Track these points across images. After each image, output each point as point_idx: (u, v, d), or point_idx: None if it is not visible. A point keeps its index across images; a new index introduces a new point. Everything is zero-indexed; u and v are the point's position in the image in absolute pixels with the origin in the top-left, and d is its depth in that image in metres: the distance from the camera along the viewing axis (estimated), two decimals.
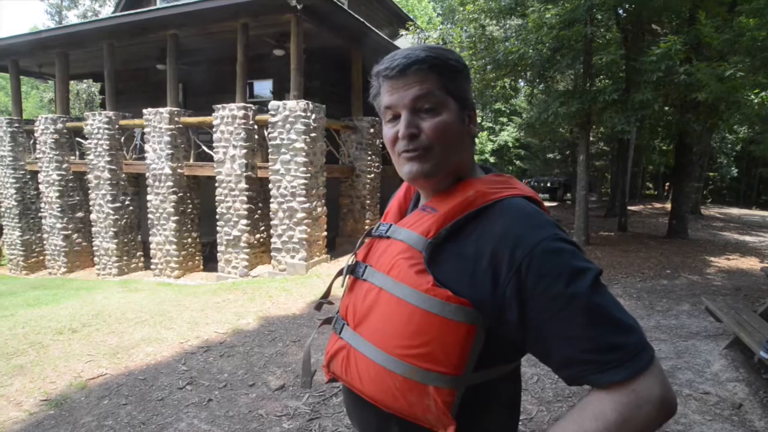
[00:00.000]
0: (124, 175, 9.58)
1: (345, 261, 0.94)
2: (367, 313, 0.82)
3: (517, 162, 29.36)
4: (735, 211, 19.07)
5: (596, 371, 0.65)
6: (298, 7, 7.11)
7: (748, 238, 10.78)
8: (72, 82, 17.98)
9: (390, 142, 0.83)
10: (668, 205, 13.82)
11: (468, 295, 0.72)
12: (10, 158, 10.69)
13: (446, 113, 0.80)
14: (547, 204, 20.97)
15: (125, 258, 9.70)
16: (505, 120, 28.04)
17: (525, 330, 0.70)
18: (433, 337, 0.73)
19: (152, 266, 9.15)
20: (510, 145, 28.44)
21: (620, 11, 8.61)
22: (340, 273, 0.96)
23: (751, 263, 7.52)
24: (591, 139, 12.02)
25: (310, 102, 7.57)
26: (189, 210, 9.02)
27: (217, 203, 8.19)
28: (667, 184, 24.49)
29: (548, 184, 23.94)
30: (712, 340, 4.00)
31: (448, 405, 0.73)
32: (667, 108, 9.06)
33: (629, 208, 14.39)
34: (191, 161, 8.85)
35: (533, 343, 0.71)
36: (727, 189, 26.03)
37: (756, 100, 6.58)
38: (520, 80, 10.62)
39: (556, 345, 0.68)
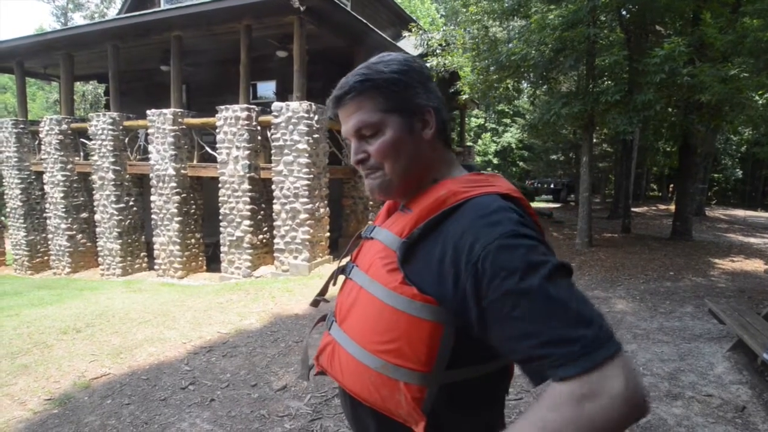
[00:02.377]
0: (128, 176, 9.62)
1: (345, 262, 0.99)
2: (350, 310, 0.86)
3: (521, 163, 29.29)
4: (740, 212, 18.97)
5: (552, 365, 0.62)
6: (301, 8, 7.13)
7: (752, 240, 10.73)
8: (78, 83, 18.10)
9: (354, 164, 0.91)
10: (672, 207, 13.77)
11: (434, 293, 0.74)
12: (16, 159, 10.76)
13: (389, 131, 0.83)
14: (550, 205, 20.95)
15: (129, 258, 9.74)
16: (508, 121, 28.02)
17: (486, 328, 0.70)
18: (401, 334, 0.76)
19: (156, 267, 9.19)
20: (513, 146, 28.41)
21: (623, 12, 8.59)
22: (335, 271, 1.01)
23: (755, 265, 7.49)
24: (594, 140, 11.98)
25: (312, 103, 7.59)
26: (192, 211, 9.06)
27: (220, 204, 8.21)
28: (671, 185, 24.39)
29: (551, 186, 23.89)
30: (716, 342, 3.99)
31: (418, 401, 0.76)
32: (670, 109, 9.03)
33: (633, 209, 14.35)
34: (195, 162, 8.88)
35: (496, 341, 0.70)
36: (731, 190, 25.89)
37: (760, 102, 6.56)
38: (523, 81, 10.61)
39: (515, 342, 0.66)
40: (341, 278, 0.99)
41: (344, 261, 0.98)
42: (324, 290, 1.08)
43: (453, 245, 0.73)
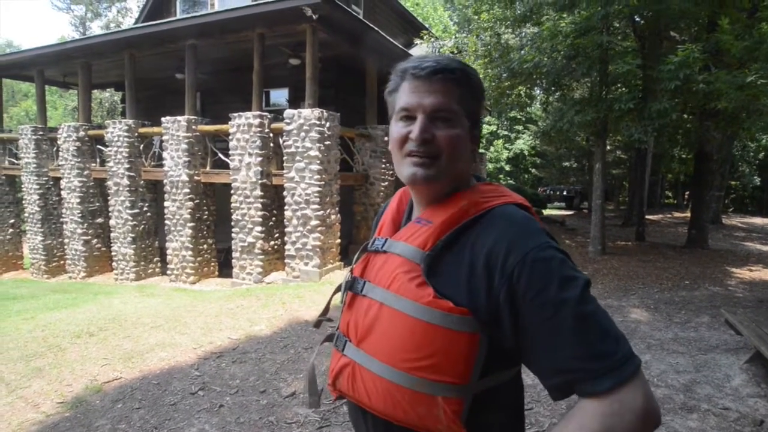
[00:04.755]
0: (142, 182, 9.76)
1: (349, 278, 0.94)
2: (370, 329, 0.82)
3: (533, 170, 29.11)
4: (758, 220, 18.60)
5: (583, 379, 0.66)
6: (314, 17, 7.21)
7: None
8: (96, 91, 18.48)
9: (398, 141, 0.83)
10: (688, 215, 13.55)
11: (466, 303, 0.74)
12: (34, 165, 10.99)
13: (460, 128, 0.82)
14: (563, 212, 20.76)
15: (142, 263, 9.85)
16: (520, 128, 27.89)
17: (517, 337, 0.72)
18: (438, 349, 0.74)
19: (168, 272, 9.28)
20: (526, 153, 28.22)
21: (637, 19, 8.52)
22: (338, 289, 0.96)
23: None
24: (608, 147, 11.86)
25: (324, 110, 7.64)
26: (205, 216, 9.15)
27: (232, 210, 8.28)
28: (687, 193, 24.02)
29: (564, 193, 23.72)
30: (733, 353, 3.90)
31: (458, 414, 0.75)
32: (685, 116, 8.91)
33: (647, 217, 14.15)
34: (208, 168, 8.98)
35: (524, 350, 0.73)
36: (749, 198, 25.37)
37: None
38: (535, 88, 10.57)
39: (545, 352, 0.70)
40: (338, 295, 0.96)
41: (348, 276, 0.93)
42: (326, 310, 1.04)
43: (484, 255, 0.74)
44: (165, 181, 9.00)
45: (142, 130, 9.62)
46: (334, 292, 0.98)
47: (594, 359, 0.66)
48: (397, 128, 0.84)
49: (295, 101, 10.04)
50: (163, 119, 8.95)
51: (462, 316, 0.73)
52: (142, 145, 9.70)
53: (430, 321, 0.74)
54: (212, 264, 9.45)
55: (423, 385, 0.74)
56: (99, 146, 10.36)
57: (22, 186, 11.42)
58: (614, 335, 0.68)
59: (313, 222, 7.57)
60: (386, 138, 9.18)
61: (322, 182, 7.58)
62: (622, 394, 0.64)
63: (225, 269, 9.47)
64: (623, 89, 8.22)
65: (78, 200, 10.29)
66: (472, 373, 0.74)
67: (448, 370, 0.74)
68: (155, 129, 9.38)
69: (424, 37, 11.06)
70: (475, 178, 0.91)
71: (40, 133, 11.06)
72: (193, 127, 8.76)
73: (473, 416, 0.77)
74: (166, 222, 9.07)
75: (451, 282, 0.76)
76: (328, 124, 7.70)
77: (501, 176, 27.72)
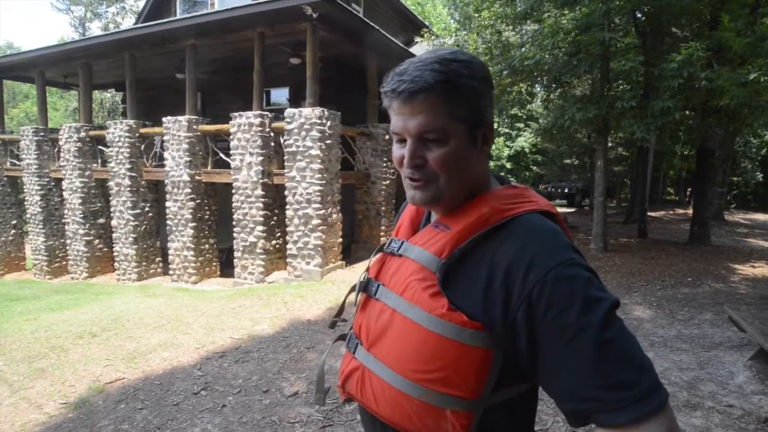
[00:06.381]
0: (143, 182, 9.76)
1: (360, 269, 0.93)
2: (381, 335, 0.80)
3: (534, 168, 29.05)
4: (761, 216, 18.54)
5: (600, 410, 0.62)
6: (314, 15, 7.20)
7: None
8: (96, 91, 18.49)
9: (397, 162, 0.81)
10: (690, 211, 13.51)
11: (481, 318, 0.70)
12: (36, 166, 11.01)
13: (454, 141, 0.76)
14: (564, 210, 20.74)
15: (144, 263, 9.86)
16: (521, 125, 27.81)
17: (533, 358, 0.68)
18: (448, 362, 0.71)
19: (170, 272, 9.29)
20: (527, 150, 28.18)
21: (639, 15, 8.49)
22: (353, 290, 0.94)
23: None
24: (609, 144, 11.84)
25: (325, 109, 7.63)
26: (206, 216, 9.15)
27: (233, 210, 8.28)
28: (689, 189, 23.96)
29: (566, 190, 23.67)
30: (736, 350, 3.89)
31: (466, 428, 0.72)
32: (687, 112, 8.87)
33: (649, 214, 14.12)
34: (209, 168, 8.98)
35: (540, 372, 0.69)
36: (752, 194, 25.26)
37: None
38: (536, 85, 10.54)
39: (562, 377, 0.65)
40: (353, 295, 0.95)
41: (363, 277, 0.91)
42: (341, 310, 1.03)
43: (504, 269, 0.69)
44: (166, 181, 9.01)
45: (143, 130, 9.62)
46: (349, 293, 0.96)
47: (613, 389, 0.61)
48: (394, 149, 0.82)
49: (296, 100, 10.04)
50: (164, 119, 8.95)
51: (476, 330, 0.70)
52: (143, 146, 9.70)
53: (441, 334, 0.71)
54: (214, 264, 9.46)
55: (432, 397, 0.72)
56: (100, 147, 10.36)
57: (24, 187, 11.44)
58: (638, 364, 0.63)
59: (315, 221, 7.57)
60: (387, 137, 9.18)
61: (324, 181, 7.57)
62: (642, 430, 0.60)
63: (227, 269, 9.48)
64: (625, 86, 8.18)
65: (80, 201, 10.30)
66: (485, 388, 0.72)
67: (459, 384, 0.71)
68: (156, 129, 9.38)
69: (425, 35, 11.03)
70: (498, 179, 0.87)
71: (42, 134, 11.08)
72: (194, 127, 8.76)
73: (483, 428, 0.75)
74: (168, 222, 9.07)
75: (467, 294, 0.73)
76: (328, 123, 7.69)
77: (502, 174, 27.62)
